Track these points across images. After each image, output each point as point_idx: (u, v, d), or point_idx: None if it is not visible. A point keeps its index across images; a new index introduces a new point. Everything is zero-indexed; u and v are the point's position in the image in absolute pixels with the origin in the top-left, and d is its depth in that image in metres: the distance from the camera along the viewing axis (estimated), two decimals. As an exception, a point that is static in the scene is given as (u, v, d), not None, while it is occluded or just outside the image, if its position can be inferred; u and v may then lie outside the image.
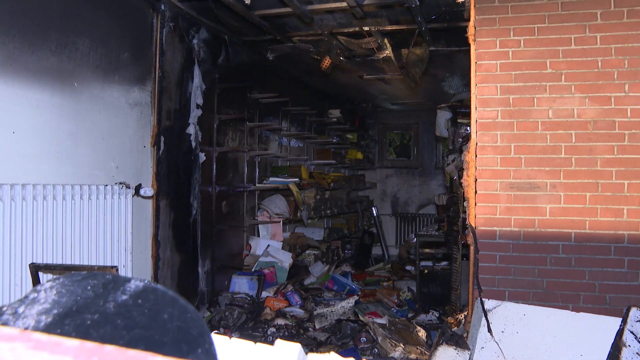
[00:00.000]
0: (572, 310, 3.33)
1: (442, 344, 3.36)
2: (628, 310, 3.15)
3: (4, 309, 0.80)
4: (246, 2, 3.96)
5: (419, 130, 10.06)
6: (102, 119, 3.61)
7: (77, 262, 3.21)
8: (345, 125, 8.46)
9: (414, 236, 7.56)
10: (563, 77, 3.46)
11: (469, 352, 3.27)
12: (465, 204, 3.68)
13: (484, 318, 3.34)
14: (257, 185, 5.88)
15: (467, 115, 4.36)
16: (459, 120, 5.29)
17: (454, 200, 4.85)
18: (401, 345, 3.86)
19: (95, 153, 3.56)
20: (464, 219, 3.77)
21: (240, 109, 5.58)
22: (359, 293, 5.79)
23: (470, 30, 3.64)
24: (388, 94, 8.36)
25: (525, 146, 3.51)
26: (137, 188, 3.86)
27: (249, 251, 5.83)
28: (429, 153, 10.00)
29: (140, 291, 0.80)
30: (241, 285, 5.26)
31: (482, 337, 3.30)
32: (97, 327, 0.73)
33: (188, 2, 4.33)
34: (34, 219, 2.93)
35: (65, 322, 0.74)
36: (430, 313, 4.92)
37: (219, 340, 0.94)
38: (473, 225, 3.56)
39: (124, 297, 0.79)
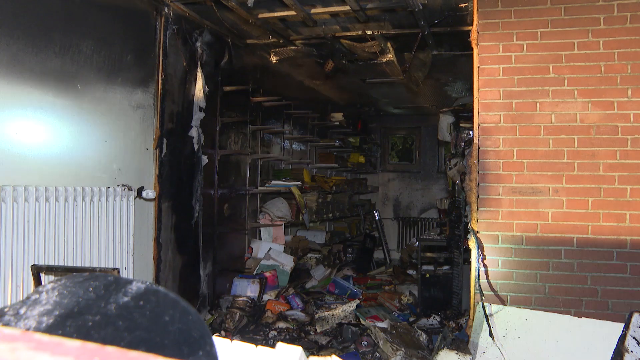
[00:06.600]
0: (574, 316, 3.32)
1: (443, 348, 3.35)
2: (630, 315, 3.14)
3: (6, 309, 0.80)
4: (249, 5, 3.97)
5: (422, 134, 10.06)
6: (104, 121, 3.62)
7: (78, 264, 3.21)
8: (348, 128, 8.46)
9: (415, 240, 7.55)
10: (566, 81, 3.46)
11: (471, 357, 3.26)
12: (467, 208, 3.67)
13: (485, 322, 3.33)
14: (259, 188, 5.88)
15: (470, 119, 4.36)
16: (461, 125, 5.29)
17: (456, 205, 4.85)
18: (402, 349, 3.85)
19: (98, 155, 3.56)
20: (466, 223, 3.76)
21: (243, 112, 5.59)
22: (361, 297, 5.78)
23: (473, 35, 3.65)
24: (390, 97, 8.37)
25: (527, 151, 3.50)
26: (139, 190, 3.86)
27: (251, 254, 5.83)
28: (431, 157, 9.99)
29: (142, 293, 0.80)
30: (243, 288, 5.26)
31: (483, 341, 3.29)
32: (98, 328, 0.73)
33: (191, 5, 4.34)
34: (36, 220, 2.93)
35: (67, 323, 0.74)
36: (432, 317, 4.90)
37: (220, 342, 0.94)
38: (475, 230, 3.55)
39: (126, 298, 0.79)
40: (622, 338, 3.06)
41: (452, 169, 5.13)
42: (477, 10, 3.62)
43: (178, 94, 4.40)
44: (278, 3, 4.18)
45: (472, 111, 3.79)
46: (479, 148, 3.58)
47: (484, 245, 3.53)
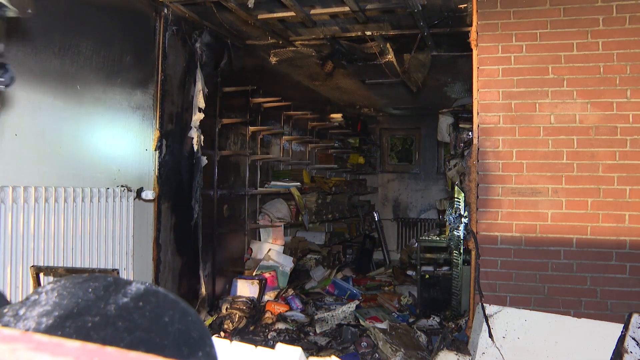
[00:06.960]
0: (573, 316, 3.32)
1: (443, 349, 3.35)
2: (630, 316, 3.14)
3: (5, 310, 0.80)
4: (248, 6, 3.98)
5: (421, 135, 10.06)
6: (104, 122, 3.62)
7: (78, 265, 3.21)
8: (347, 129, 8.46)
9: (415, 241, 7.55)
10: (565, 82, 3.46)
11: (470, 358, 3.26)
12: (466, 209, 3.67)
13: (485, 323, 3.33)
14: (258, 189, 5.88)
15: (469, 120, 4.36)
16: (460, 125, 5.29)
17: (456, 205, 4.85)
18: (402, 350, 3.85)
19: (97, 156, 3.56)
20: (466, 224, 3.76)
21: (242, 113, 5.58)
22: (360, 298, 5.78)
23: (473, 36, 3.65)
24: (390, 98, 8.37)
25: (527, 151, 3.51)
26: (139, 191, 3.86)
27: (250, 255, 5.83)
28: (431, 158, 9.99)
29: (142, 294, 0.80)
30: (242, 289, 5.26)
31: (483, 342, 3.29)
32: (98, 329, 0.73)
33: (191, 6, 4.34)
34: (36, 221, 2.93)
35: (66, 324, 0.74)
36: (431, 318, 4.91)
37: (219, 343, 0.94)
38: (474, 231, 3.55)
39: (125, 299, 0.79)
40: (622, 339, 3.06)
41: (452, 170, 5.13)
42: (477, 11, 3.63)
43: (177, 95, 4.40)
44: (277, 4, 4.18)
45: (471, 112, 3.79)
46: (478, 149, 3.58)
47: (484, 246, 3.53)
